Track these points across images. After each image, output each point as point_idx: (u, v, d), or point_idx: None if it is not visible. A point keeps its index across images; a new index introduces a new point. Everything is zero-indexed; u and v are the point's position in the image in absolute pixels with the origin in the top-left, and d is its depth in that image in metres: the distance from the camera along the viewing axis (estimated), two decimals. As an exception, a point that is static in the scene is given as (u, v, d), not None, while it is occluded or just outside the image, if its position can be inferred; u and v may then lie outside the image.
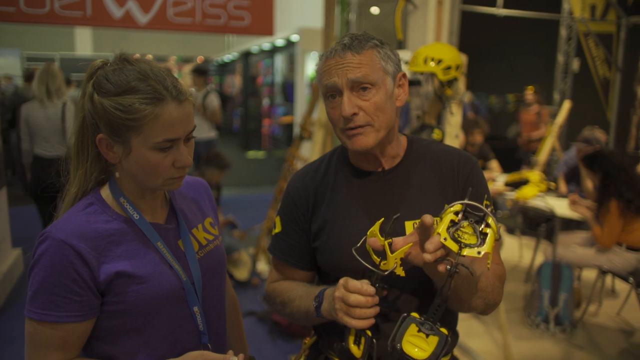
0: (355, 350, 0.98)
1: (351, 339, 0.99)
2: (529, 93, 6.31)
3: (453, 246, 0.85)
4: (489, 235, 0.86)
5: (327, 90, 1.07)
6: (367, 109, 1.05)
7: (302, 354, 1.28)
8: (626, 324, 3.50)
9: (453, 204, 0.89)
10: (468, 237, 0.86)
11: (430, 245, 0.85)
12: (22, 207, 5.60)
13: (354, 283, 0.95)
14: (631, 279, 3.21)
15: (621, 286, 3.92)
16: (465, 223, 0.87)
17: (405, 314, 0.91)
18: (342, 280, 0.98)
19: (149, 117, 0.91)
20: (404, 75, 1.13)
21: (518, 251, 4.71)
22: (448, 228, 0.86)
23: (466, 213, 0.88)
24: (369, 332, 0.97)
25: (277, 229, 1.23)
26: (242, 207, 5.37)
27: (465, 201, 0.89)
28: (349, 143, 1.09)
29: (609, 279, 3.88)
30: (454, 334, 1.22)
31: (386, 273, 0.93)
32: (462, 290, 1.00)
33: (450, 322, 1.19)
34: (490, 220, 0.87)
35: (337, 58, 1.05)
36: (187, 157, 0.97)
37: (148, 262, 0.98)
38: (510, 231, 5.12)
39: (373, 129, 1.06)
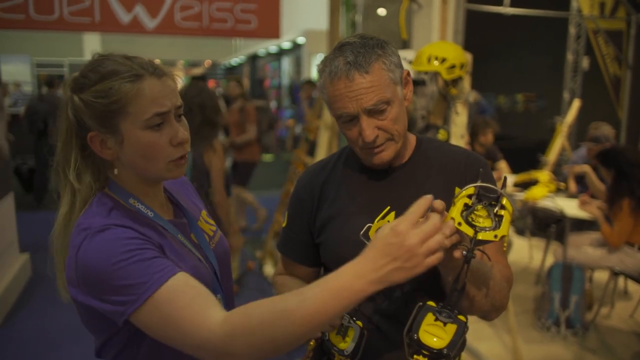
0: (339, 342, 0.95)
1: (334, 329, 0.96)
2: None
3: (468, 230, 0.81)
4: (504, 218, 0.83)
5: (340, 116, 1.06)
6: (386, 127, 1.05)
7: (306, 357, 1.27)
8: (640, 327, 3.43)
9: (466, 187, 0.85)
10: (482, 220, 0.83)
11: (446, 229, 0.81)
12: (29, 212, 5.64)
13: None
14: (644, 281, 3.15)
15: (634, 287, 3.85)
16: (479, 206, 0.84)
17: (421, 303, 0.87)
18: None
19: (130, 95, 0.89)
20: (408, 72, 1.11)
21: (528, 252, 4.65)
22: (462, 212, 0.82)
23: (480, 196, 0.84)
24: (359, 323, 0.94)
25: (284, 224, 1.26)
26: (251, 210, 5.38)
27: (478, 183, 0.85)
28: (370, 159, 1.09)
29: (621, 280, 3.81)
30: (463, 339, 1.19)
31: None
32: (471, 285, 0.97)
33: None
34: (505, 202, 0.83)
35: (345, 81, 1.01)
36: (182, 132, 0.94)
37: (184, 258, 0.96)
38: (520, 232, 5.06)
39: (393, 142, 1.08)
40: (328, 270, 1.23)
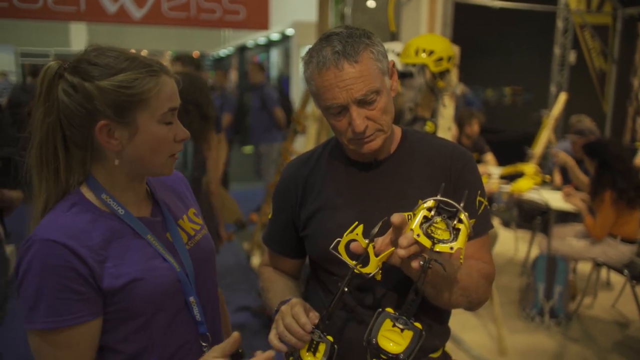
0: (310, 358, 0.97)
1: (305, 346, 0.98)
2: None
3: (426, 242, 0.85)
4: (461, 231, 0.87)
5: (329, 107, 1.04)
6: (375, 117, 1.04)
7: None
8: (621, 316, 3.50)
9: (426, 200, 0.89)
10: (441, 232, 0.87)
11: (403, 240, 0.85)
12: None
13: (297, 310, 0.98)
14: (626, 271, 3.21)
15: (616, 278, 3.92)
16: (438, 219, 0.87)
17: (380, 309, 0.91)
18: (295, 300, 1.02)
19: (154, 90, 0.92)
20: (393, 63, 1.11)
21: (513, 244, 4.71)
22: (421, 224, 0.86)
23: (439, 209, 0.88)
24: (330, 338, 0.96)
25: (269, 215, 1.26)
26: (240, 202, 5.38)
27: (438, 197, 0.89)
28: (359, 149, 1.08)
29: (604, 271, 3.88)
30: (446, 330, 1.21)
31: (370, 276, 0.93)
32: (441, 287, 0.99)
33: (443, 317, 1.19)
34: (463, 216, 0.87)
35: (334, 70, 0.99)
36: (184, 129, 0.99)
37: (141, 258, 0.96)
38: (506, 224, 5.11)
39: (382, 132, 1.06)
40: (313, 262, 1.24)
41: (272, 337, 0.99)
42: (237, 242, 4.50)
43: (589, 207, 3.36)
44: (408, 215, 0.89)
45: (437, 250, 0.85)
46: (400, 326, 0.88)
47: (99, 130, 0.92)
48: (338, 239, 0.96)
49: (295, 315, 0.97)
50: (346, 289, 0.94)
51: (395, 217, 0.86)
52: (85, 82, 0.91)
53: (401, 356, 0.87)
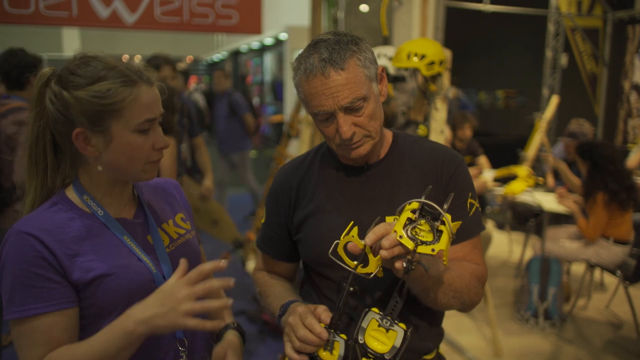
0: (327, 356, 0.97)
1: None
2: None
3: (408, 243, 0.85)
4: (443, 233, 0.87)
5: (317, 114, 1.05)
6: (362, 123, 1.05)
7: None
8: (615, 317, 3.52)
9: (410, 201, 0.90)
10: (425, 234, 0.87)
11: (386, 242, 0.85)
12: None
13: (310, 321, 0.97)
14: (619, 272, 3.23)
15: (609, 279, 3.94)
16: (422, 221, 0.88)
17: (367, 309, 0.93)
18: (301, 309, 1.01)
19: (127, 100, 0.94)
20: (383, 69, 1.12)
21: (508, 246, 4.73)
22: (405, 226, 0.87)
23: (424, 211, 0.89)
24: (343, 336, 0.97)
25: (262, 220, 1.28)
26: (234, 206, 5.36)
27: (422, 199, 0.89)
28: (348, 155, 1.09)
29: (597, 272, 3.90)
30: (439, 332, 1.21)
31: (371, 276, 0.92)
32: (430, 289, 0.99)
33: (436, 319, 1.19)
34: (445, 218, 0.88)
35: (320, 78, 1.00)
36: (164, 138, 1.01)
37: (115, 257, 0.98)
38: (500, 226, 5.14)
39: (370, 138, 1.07)
40: (306, 266, 1.25)
41: (290, 351, 0.99)
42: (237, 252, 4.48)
43: (581, 208, 3.38)
44: (394, 219, 0.90)
45: (420, 251, 0.86)
46: (385, 326, 0.90)
47: (75, 137, 0.95)
48: (336, 241, 0.96)
49: (309, 326, 0.97)
50: (352, 289, 0.95)
51: (368, 239, 0.87)
52: (64, 91, 0.94)
53: (386, 356, 0.89)
